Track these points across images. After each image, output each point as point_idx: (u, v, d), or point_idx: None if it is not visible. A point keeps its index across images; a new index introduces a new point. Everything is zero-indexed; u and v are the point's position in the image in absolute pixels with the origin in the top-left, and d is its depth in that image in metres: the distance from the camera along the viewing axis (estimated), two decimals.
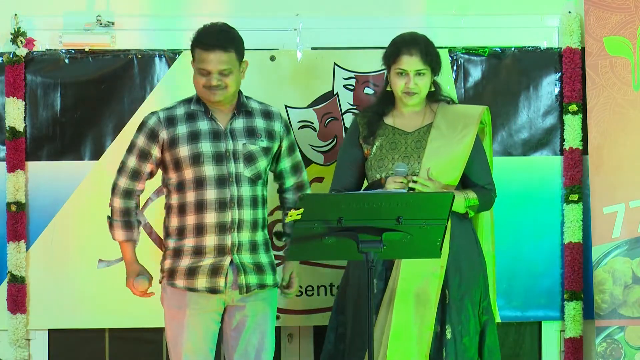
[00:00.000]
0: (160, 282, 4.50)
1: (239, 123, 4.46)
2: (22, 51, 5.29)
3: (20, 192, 5.28)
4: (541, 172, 5.44)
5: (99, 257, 5.32)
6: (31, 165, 5.32)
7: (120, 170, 4.51)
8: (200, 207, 4.37)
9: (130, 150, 4.50)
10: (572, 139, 5.40)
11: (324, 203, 3.98)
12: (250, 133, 4.46)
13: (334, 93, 5.40)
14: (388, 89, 4.65)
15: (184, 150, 4.39)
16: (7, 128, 5.28)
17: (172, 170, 4.43)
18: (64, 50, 5.32)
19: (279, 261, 4.64)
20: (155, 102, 5.32)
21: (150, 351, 5.49)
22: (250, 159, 4.43)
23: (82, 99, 5.34)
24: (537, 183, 5.39)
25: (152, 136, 4.44)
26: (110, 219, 4.53)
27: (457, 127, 4.59)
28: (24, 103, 5.30)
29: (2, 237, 5.31)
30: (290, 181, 4.61)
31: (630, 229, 5.26)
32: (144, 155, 4.45)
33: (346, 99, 5.40)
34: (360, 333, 4.50)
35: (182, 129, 4.41)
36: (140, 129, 4.49)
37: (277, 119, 4.55)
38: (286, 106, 5.33)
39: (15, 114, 5.29)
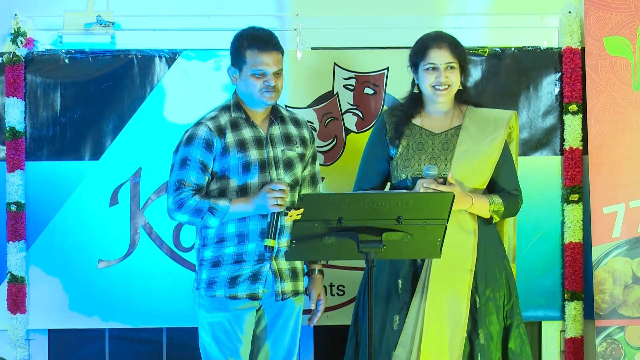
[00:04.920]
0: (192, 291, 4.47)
1: (277, 130, 4.43)
2: (22, 51, 5.28)
3: (20, 192, 5.28)
4: (541, 172, 5.44)
5: (99, 257, 5.32)
6: (31, 165, 5.31)
7: (178, 190, 4.30)
8: None
9: (184, 165, 4.32)
10: (572, 139, 5.40)
11: (324, 203, 3.98)
12: (287, 140, 4.44)
13: (334, 93, 5.39)
14: (415, 91, 4.56)
15: (234, 159, 4.33)
16: (7, 128, 5.28)
17: (215, 180, 4.35)
18: (64, 50, 5.31)
19: None
20: (155, 102, 5.32)
21: (150, 351, 5.49)
22: (289, 165, 4.42)
23: (82, 99, 5.33)
24: (537, 183, 5.38)
25: (209, 147, 4.32)
26: (203, 213, 4.29)
27: (487, 130, 4.51)
28: (24, 103, 5.30)
29: (2, 237, 5.31)
30: (306, 191, 4.53)
31: (630, 229, 5.26)
32: (205, 168, 4.32)
33: (346, 99, 5.39)
34: (383, 336, 4.43)
35: (230, 138, 4.34)
36: (190, 141, 4.33)
37: (305, 126, 4.54)
38: (286, 106, 5.32)
39: (15, 114, 5.28)
